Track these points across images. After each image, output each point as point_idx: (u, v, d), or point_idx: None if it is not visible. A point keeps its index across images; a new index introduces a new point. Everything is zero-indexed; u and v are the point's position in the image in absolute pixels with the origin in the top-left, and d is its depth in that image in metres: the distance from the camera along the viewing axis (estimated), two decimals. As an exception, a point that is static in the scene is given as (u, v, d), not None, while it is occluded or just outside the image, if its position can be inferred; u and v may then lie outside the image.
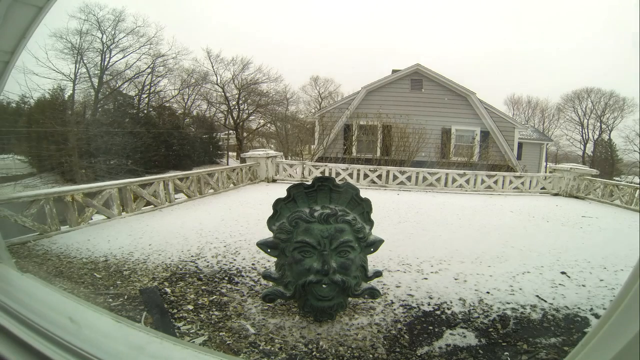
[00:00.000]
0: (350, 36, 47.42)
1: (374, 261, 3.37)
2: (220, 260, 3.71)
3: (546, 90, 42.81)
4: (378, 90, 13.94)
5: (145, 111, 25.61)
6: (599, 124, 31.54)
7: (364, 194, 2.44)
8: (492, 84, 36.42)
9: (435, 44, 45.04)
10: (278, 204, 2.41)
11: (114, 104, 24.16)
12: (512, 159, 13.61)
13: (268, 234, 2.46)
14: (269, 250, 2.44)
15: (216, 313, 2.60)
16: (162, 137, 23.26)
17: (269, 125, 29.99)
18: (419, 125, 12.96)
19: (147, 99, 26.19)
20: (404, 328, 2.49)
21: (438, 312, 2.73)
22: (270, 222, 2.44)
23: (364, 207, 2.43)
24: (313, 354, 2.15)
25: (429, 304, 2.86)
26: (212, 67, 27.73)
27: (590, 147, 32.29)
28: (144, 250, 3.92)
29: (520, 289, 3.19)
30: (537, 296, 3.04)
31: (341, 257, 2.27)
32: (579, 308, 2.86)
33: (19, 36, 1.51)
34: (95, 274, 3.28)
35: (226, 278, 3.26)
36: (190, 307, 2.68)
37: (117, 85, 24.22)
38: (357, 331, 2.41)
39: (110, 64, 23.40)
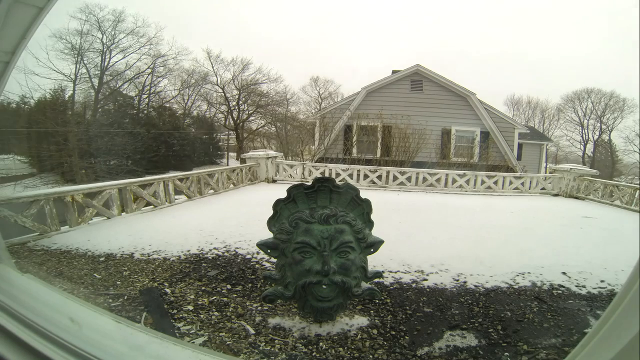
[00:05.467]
0: (350, 36, 47.46)
1: (373, 262, 3.36)
2: (220, 260, 3.71)
3: (546, 90, 42.94)
4: (378, 90, 13.95)
5: (146, 112, 25.62)
6: (599, 124, 31.56)
7: (364, 194, 2.44)
8: (492, 84, 36.45)
9: (435, 44, 45.09)
10: (278, 205, 2.41)
11: (114, 105, 24.18)
12: (512, 159, 13.60)
13: (268, 234, 2.46)
14: (269, 250, 2.44)
15: (216, 313, 2.60)
16: (162, 137, 23.28)
17: (269, 125, 29.99)
18: (419, 126, 12.95)
19: (147, 100, 26.22)
20: (404, 328, 2.49)
21: (438, 313, 2.73)
22: (271, 222, 2.44)
23: (364, 208, 2.43)
24: (313, 354, 2.15)
25: (429, 304, 2.86)
26: (212, 67, 27.77)
27: (590, 147, 32.32)
28: (144, 250, 3.92)
29: (521, 289, 3.19)
30: (537, 296, 3.04)
31: (341, 258, 2.26)
32: (579, 308, 2.86)
33: (20, 36, 1.51)
34: (95, 274, 3.28)
35: (226, 278, 3.26)
36: (190, 307, 2.68)
37: (117, 86, 24.25)
38: (357, 332, 2.41)
39: (110, 64, 23.46)
